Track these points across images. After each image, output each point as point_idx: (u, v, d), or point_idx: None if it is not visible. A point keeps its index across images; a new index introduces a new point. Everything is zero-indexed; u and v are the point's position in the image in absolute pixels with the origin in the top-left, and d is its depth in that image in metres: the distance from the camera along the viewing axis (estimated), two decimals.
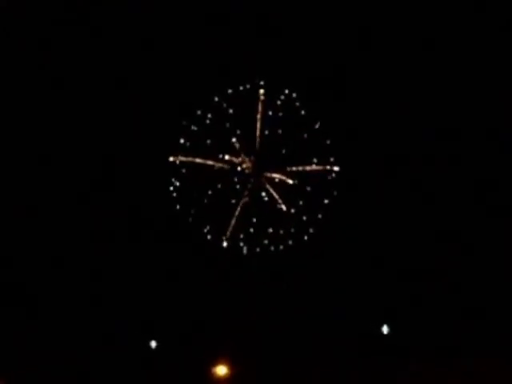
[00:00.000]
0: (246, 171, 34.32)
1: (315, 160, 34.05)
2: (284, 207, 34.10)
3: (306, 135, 33.97)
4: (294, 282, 33.87)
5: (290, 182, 34.02)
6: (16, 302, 33.38)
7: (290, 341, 33.21)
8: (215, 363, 32.82)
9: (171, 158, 33.97)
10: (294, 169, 34.09)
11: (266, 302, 33.93)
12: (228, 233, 34.00)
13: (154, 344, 33.84)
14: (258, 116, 33.90)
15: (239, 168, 34.16)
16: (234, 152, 34.12)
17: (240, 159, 34.11)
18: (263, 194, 34.22)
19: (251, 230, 34.04)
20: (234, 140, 34.03)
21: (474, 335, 31.47)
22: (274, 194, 34.26)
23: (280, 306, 33.87)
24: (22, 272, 33.66)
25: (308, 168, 34.12)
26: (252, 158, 34.19)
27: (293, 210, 34.15)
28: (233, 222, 34.01)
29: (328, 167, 34.00)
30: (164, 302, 33.84)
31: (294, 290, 33.92)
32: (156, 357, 33.68)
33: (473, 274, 32.63)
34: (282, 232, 34.05)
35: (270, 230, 34.05)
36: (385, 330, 33.12)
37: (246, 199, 34.13)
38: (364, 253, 33.68)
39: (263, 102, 33.86)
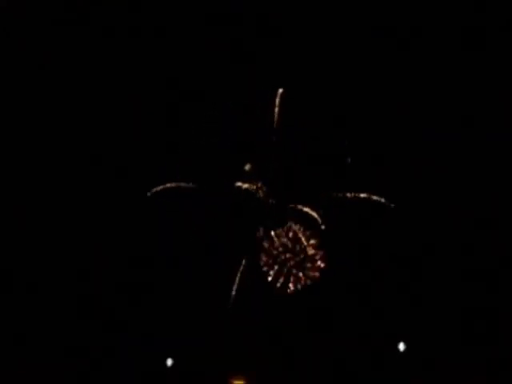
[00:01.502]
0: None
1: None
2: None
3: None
4: (309, 297, 33.36)
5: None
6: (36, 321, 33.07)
7: (305, 356, 32.92)
8: (231, 380, 32.79)
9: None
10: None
11: (283, 316, 33.43)
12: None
13: (170, 362, 33.63)
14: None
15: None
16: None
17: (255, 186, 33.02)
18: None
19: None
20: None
21: (490, 353, 31.10)
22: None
23: (297, 321, 33.35)
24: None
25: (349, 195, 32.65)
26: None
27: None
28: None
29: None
30: (179, 320, 33.55)
31: (309, 305, 33.40)
32: (172, 375, 33.49)
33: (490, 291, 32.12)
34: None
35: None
36: (401, 347, 32.72)
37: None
38: (380, 269, 33.18)
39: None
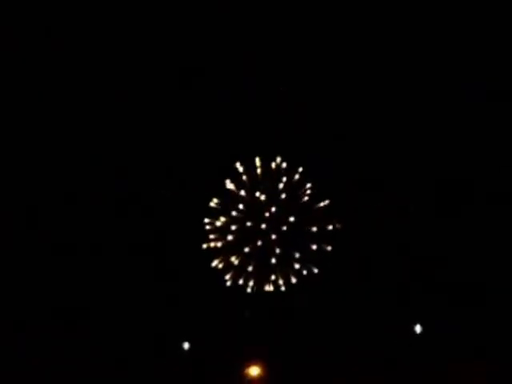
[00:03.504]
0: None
1: None
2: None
3: None
4: (324, 283, 33.88)
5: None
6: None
7: (321, 342, 33.17)
8: (248, 364, 32.85)
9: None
10: None
11: (299, 303, 33.97)
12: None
13: (186, 346, 34.11)
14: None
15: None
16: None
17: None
18: None
19: None
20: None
21: (508, 335, 31.25)
22: None
23: (312, 307, 33.81)
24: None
25: None
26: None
27: None
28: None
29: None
30: (197, 306, 34.28)
31: (324, 291, 33.88)
32: (189, 358, 33.89)
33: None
34: None
35: None
36: (418, 329, 32.95)
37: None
38: (399, 252, 33.49)
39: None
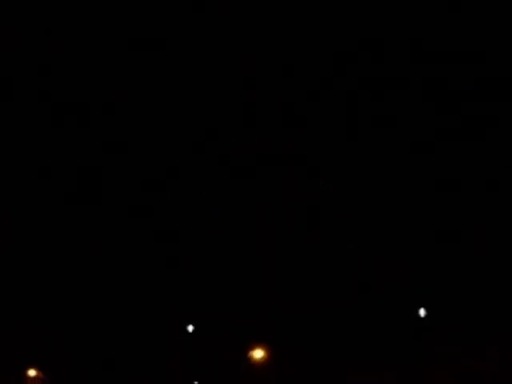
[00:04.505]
0: None
1: None
2: None
3: None
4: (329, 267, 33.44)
5: None
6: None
7: (326, 325, 32.84)
8: (252, 347, 32.97)
9: None
10: None
11: (303, 285, 33.42)
12: None
13: (190, 328, 34.09)
14: None
15: None
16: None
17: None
18: None
19: None
20: None
21: None
22: None
23: (317, 290, 33.36)
24: None
25: None
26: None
27: None
28: None
29: None
30: (200, 287, 33.90)
31: (329, 274, 33.36)
32: (193, 340, 33.82)
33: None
34: None
35: None
36: (422, 312, 32.66)
37: None
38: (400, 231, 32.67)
39: None
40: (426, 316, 32.51)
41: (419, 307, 32.58)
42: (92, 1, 31.24)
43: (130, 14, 31.18)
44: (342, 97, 31.59)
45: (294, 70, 31.82)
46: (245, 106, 32.09)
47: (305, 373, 32.92)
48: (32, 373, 33.47)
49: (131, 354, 33.60)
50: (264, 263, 33.89)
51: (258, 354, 32.95)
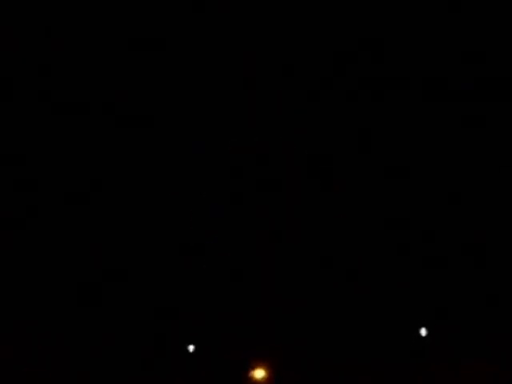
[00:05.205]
0: None
1: None
2: None
3: None
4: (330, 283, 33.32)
5: None
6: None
7: (328, 343, 33.02)
8: (253, 366, 33.07)
9: None
10: None
11: (305, 303, 33.56)
12: None
13: (191, 348, 33.97)
14: None
15: None
16: None
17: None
18: None
19: None
20: None
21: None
22: None
23: (319, 308, 33.47)
24: None
25: None
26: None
27: None
28: None
29: None
30: (201, 306, 33.68)
31: (331, 292, 33.37)
32: (193, 361, 33.75)
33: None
34: None
35: None
36: (423, 332, 32.84)
37: None
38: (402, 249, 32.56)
39: None
40: (427, 332, 32.50)
41: (420, 317, 32.66)
42: (92, 1, 31.19)
43: (130, 13, 31.12)
44: (342, 97, 31.53)
45: (294, 70, 31.72)
46: (245, 106, 32.05)
47: None
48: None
49: (133, 374, 33.28)
50: (264, 275, 33.61)
51: (259, 374, 33.16)
